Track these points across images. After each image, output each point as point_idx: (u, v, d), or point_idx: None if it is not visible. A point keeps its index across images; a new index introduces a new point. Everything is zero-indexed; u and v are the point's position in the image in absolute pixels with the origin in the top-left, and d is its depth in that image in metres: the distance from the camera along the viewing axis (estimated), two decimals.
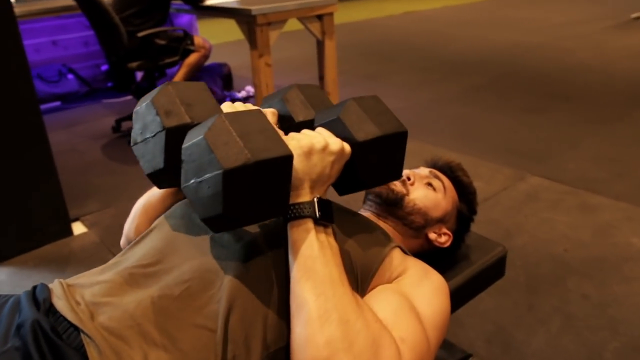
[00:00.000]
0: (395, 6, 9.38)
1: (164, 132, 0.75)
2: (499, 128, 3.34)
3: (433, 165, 1.21)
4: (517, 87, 4.22)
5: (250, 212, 0.69)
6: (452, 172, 1.18)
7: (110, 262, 0.86)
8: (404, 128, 0.83)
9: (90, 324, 0.70)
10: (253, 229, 0.81)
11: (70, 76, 4.52)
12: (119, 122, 3.57)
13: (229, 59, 4.70)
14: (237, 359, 0.70)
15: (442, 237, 1.10)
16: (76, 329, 0.70)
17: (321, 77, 3.46)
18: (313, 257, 0.71)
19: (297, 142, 0.76)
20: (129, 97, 4.38)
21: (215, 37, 4.18)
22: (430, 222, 1.08)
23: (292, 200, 0.75)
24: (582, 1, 9.60)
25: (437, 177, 1.13)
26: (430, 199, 1.09)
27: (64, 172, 2.97)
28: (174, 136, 0.75)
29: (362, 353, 0.65)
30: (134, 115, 0.82)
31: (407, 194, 1.08)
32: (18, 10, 3.93)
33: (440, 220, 1.10)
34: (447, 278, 1.12)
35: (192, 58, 3.32)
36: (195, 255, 0.79)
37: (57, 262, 2.12)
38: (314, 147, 0.75)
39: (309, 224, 0.73)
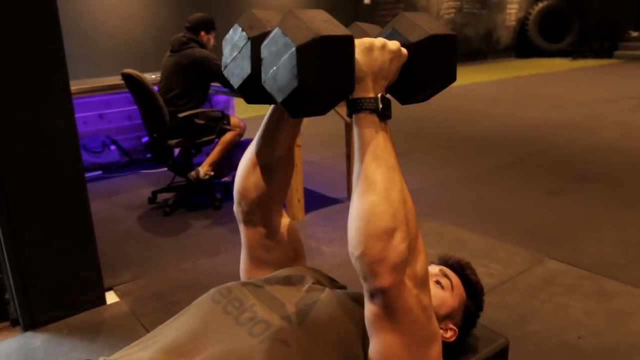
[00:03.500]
0: None
1: (249, 42, 0.91)
2: (520, 209, 3.40)
3: (444, 262, 1.29)
4: (543, 168, 4.30)
5: (322, 86, 0.81)
6: (461, 270, 1.26)
7: (147, 337, 0.98)
8: (452, 32, 0.94)
9: None
10: (276, 323, 0.92)
11: (112, 147, 4.83)
12: (155, 193, 3.78)
13: None
14: None
15: (447, 333, 1.17)
16: None
17: (349, 156, 3.63)
18: (379, 146, 0.86)
19: (360, 40, 0.88)
20: (165, 169, 4.64)
21: (250, 112, 4.47)
22: (437, 319, 1.16)
23: (358, 95, 0.87)
24: (611, 79, 9.73)
25: (446, 275, 1.21)
26: (438, 297, 1.15)
27: (100, 240, 3.14)
28: (258, 44, 0.89)
29: (412, 229, 0.83)
30: (223, 43, 0.98)
31: None
32: (72, 88, 4.29)
33: (447, 317, 1.17)
34: None
35: (227, 136, 3.54)
36: (225, 339, 0.90)
37: (89, 331, 2.24)
38: (374, 43, 0.87)
39: (375, 117, 0.86)
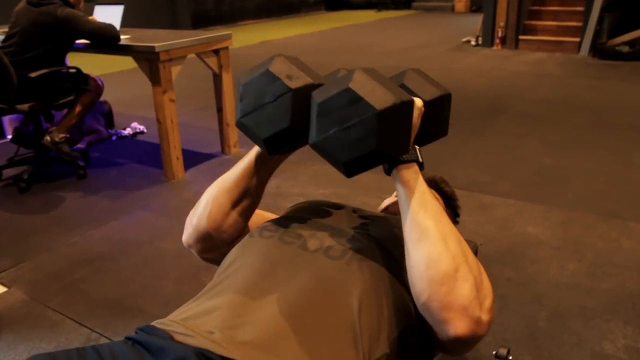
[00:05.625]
0: (250, 36, 9.64)
1: (290, 93, 0.86)
2: None
3: None
4: None
5: (396, 148, 0.83)
6: (436, 184, 1.38)
7: (207, 290, 0.90)
8: (449, 92, 1.03)
9: (233, 347, 0.76)
10: (348, 244, 0.93)
11: None
12: None
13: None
14: (372, 347, 0.81)
15: None
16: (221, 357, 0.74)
17: (219, 109, 3.53)
18: (425, 193, 0.87)
19: None
20: None
21: (97, 70, 4.04)
22: None
23: None
24: (415, 27, 10.73)
25: None
26: None
27: None
28: (299, 96, 0.86)
29: (473, 266, 0.84)
30: (241, 89, 0.91)
31: None
32: None
33: None
34: None
35: (87, 97, 3.19)
36: (305, 268, 0.88)
37: None
38: None
39: (415, 167, 0.88)
